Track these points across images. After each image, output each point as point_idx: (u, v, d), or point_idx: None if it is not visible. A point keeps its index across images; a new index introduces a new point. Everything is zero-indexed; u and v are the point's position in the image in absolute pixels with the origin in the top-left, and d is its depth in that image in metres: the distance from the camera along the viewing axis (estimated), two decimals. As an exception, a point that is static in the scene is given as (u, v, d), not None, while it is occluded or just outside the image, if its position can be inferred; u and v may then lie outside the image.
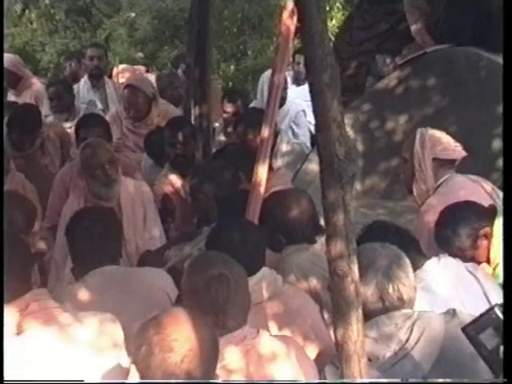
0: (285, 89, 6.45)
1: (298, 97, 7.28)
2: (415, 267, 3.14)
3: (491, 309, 2.32)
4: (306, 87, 5.58)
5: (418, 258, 3.31)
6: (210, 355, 2.27)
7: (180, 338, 2.23)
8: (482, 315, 2.33)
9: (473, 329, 2.31)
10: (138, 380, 2.26)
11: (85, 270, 3.33)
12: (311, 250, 3.56)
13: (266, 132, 3.86)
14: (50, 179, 5.30)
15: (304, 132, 6.93)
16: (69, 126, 6.47)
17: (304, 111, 6.92)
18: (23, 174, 5.06)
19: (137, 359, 2.26)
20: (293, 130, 6.89)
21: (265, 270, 3.13)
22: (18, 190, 4.76)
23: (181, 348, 2.22)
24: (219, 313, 2.64)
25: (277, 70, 3.92)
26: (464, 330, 2.34)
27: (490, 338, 2.28)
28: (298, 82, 7.80)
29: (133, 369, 2.28)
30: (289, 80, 7.39)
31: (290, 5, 3.72)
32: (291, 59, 7.63)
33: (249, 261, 2.88)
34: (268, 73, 4.89)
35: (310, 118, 6.46)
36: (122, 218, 4.50)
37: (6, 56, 7.25)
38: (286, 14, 3.79)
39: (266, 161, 3.83)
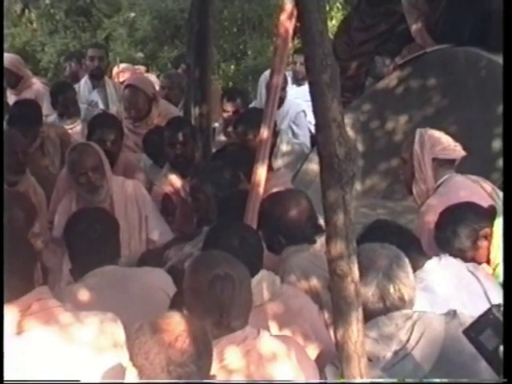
0: (284, 89, 6.45)
1: (298, 97, 7.28)
2: (416, 267, 3.14)
3: (489, 310, 2.33)
4: (306, 87, 5.59)
5: (419, 257, 3.31)
6: (203, 338, 2.32)
7: (173, 322, 2.30)
8: (480, 317, 2.35)
9: (473, 331, 2.33)
10: (136, 377, 2.28)
11: (83, 271, 3.32)
12: (311, 251, 3.56)
13: (264, 132, 3.87)
14: (50, 180, 5.29)
15: (304, 132, 6.93)
16: (69, 127, 6.47)
17: (304, 111, 6.92)
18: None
19: (132, 353, 2.29)
20: (293, 130, 6.89)
21: (263, 272, 3.12)
22: (29, 193, 4.76)
23: (174, 329, 2.28)
24: (223, 312, 2.63)
25: (275, 71, 3.92)
26: (465, 332, 2.35)
27: (490, 339, 2.30)
28: (298, 82, 7.79)
29: (129, 366, 2.29)
30: (289, 80, 7.39)
31: (289, 6, 3.72)
32: (290, 59, 7.62)
33: (247, 263, 2.87)
34: (268, 73, 4.89)
35: (310, 117, 6.46)
36: (114, 218, 4.51)
37: (6, 56, 7.25)
38: (284, 15, 3.79)
39: (265, 161, 3.83)
